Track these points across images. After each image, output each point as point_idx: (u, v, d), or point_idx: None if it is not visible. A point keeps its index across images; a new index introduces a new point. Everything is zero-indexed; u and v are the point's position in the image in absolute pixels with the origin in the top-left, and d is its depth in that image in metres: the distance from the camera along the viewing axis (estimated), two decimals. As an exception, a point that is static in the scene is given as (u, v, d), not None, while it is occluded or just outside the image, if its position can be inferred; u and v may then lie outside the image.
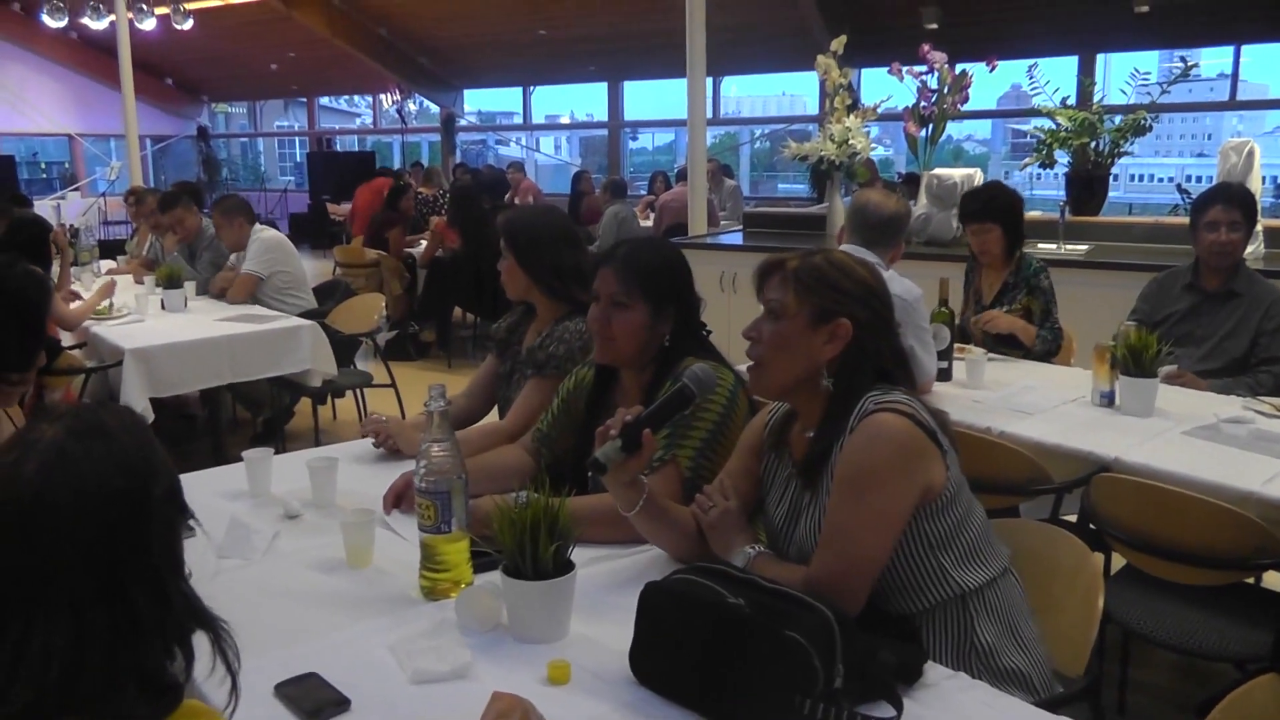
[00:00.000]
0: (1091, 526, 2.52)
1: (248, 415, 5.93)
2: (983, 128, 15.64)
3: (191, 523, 1.19)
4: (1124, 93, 6.41)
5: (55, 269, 5.12)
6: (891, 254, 3.24)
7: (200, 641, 1.14)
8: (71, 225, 8.34)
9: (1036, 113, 6.33)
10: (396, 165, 13.83)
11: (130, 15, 10.23)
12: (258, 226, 5.73)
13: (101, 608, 1.05)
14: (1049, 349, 3.71)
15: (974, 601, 1.72)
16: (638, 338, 2.17)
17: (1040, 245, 5.59)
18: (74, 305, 5.15)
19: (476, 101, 18.11)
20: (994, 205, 3.80)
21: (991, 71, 6.29)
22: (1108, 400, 3.02)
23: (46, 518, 1.04)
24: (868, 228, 3.22)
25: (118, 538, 1.07)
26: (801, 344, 1.76)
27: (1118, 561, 2.64)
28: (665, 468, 2.04)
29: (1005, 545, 1.84)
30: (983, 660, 1.71)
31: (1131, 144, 5.98)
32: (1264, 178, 5.37)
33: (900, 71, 6.12)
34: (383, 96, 16.78)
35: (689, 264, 2.27)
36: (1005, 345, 3.73)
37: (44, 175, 19.33)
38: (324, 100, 19.76)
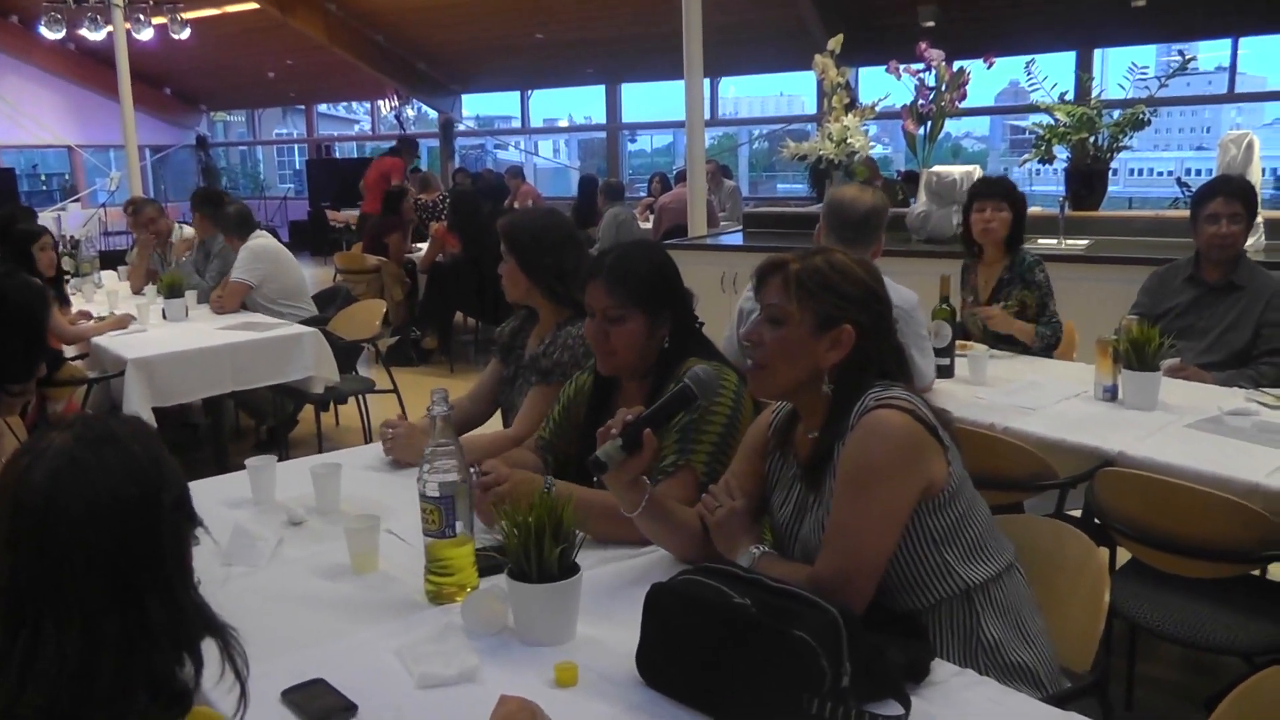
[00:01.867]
0: (1096, 521, 2.52)
1: (251, 423, 5.94)
2: (981, 125, 15.66)
3: (198, 531, 1.19)
4: (1122, 87, 6.39)
5: None
6: (873, 250, 3.08)
7: (208, 648, 1.14)
8: (72, 236, 8.36)
9: (1035, 108, 6.31)
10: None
11: (128, 26, 10.22)
12: (256, 233, 5.74)
13: (112, 614, 1.05)
14: (1049, 344, 3.73)
15: (979, 597, 1.72)
16: (639, 346, 2.17)
17: (1040, 240, 5.58)
18: (82, 324, 5.13)
19: (475, 106, 18.14)
20: (1013, 192, 3.87)
21: (989, 68, 6.29)
22: (1110, 395, 3.02)
23: (57, 525, 1.05)
24: (845, 226, 3.08)
25: (128, 545, 1.07)
26: (804, 351, 1.75)
27: (1123, 556, 2.64)
28: (681, 473, 2.04)
29: (1009, 541, 1.84)
30: (989, 655, 1.71)
31: (1130, 138, 5.97)
32: (1264, 169, 5.36)
33: (898, 70, 6.11)
34: (381, 103, 16.79)
35: (675, 263, 2.25)
36: (1005, 342, 3.73)
37: (44, 187, 19.33)
38: (322, 107, 19.77)
